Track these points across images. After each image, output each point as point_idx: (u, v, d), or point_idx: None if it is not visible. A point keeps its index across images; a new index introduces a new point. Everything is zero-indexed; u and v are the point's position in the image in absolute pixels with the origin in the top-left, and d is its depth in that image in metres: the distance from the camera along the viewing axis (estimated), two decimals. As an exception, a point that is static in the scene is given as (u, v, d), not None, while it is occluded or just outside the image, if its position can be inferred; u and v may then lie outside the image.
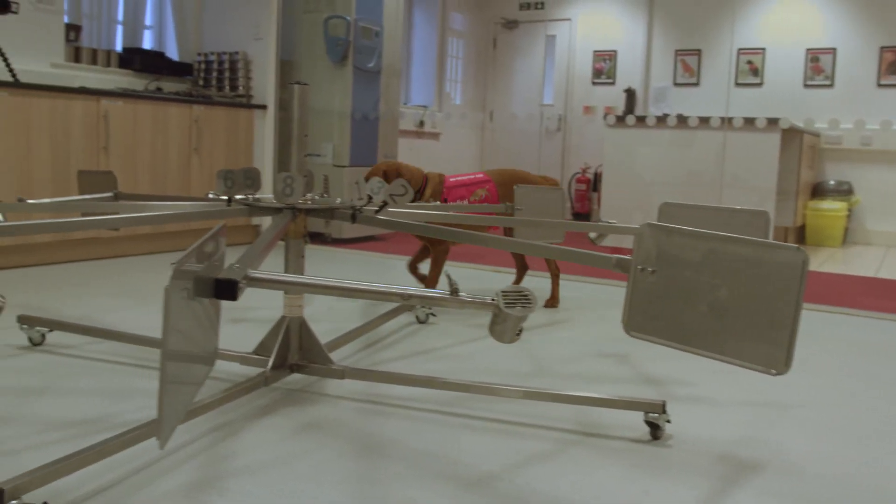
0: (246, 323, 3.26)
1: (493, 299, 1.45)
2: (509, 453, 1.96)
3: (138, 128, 4.95)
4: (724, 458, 2.00)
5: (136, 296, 3.73)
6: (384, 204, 2.26)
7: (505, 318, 1.46)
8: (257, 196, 2.43)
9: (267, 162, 5.75)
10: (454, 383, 2.21)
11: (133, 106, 4.91)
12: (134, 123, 4.92)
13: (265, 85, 5.81)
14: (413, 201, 3.00)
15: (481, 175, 3.59)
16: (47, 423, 2.06)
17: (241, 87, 5.80)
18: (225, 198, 2.34)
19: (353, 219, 2.17)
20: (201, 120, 5.32)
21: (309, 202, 2.27)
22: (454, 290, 1.44)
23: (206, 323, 1.39)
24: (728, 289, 1.64)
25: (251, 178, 2.38)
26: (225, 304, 3.62)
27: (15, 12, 4.58)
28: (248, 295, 3.85)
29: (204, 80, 5.88)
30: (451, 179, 3.49)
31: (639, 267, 1.73)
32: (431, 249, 3.49)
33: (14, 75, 4.61)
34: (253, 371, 2.45)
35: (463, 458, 1.92)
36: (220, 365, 2.62)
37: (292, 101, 2.36)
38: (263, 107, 5.74)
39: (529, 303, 1.45)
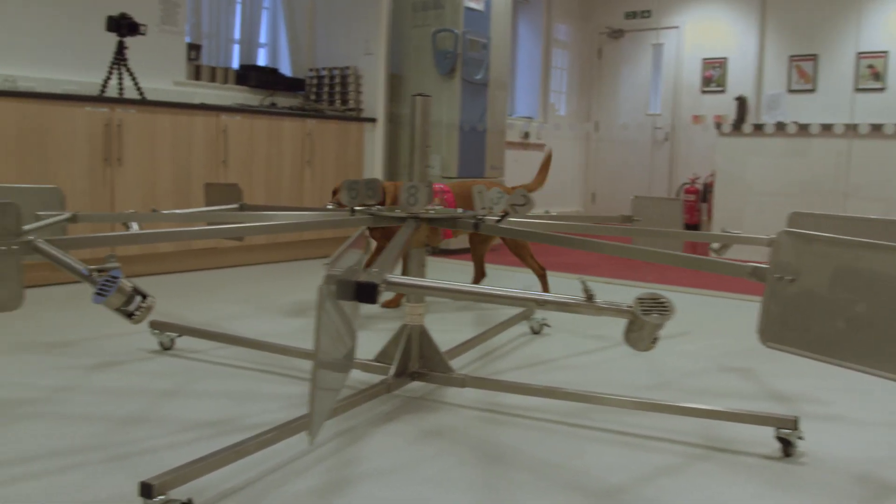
0: (364, 331, 3.32)
1: (629, 306, 1.43)
2: (636, 466, 1.92)
3: (255, 142, 5.13)
4: (864, 479, 1.91)
5: (257, 303, 3.85)
6: (505, 213, 2.26)
7: (641, 326, 1.43)
8: (377, 206, 2.47)
9: (376, 174, 5.86)
10: (577, 394, 2.19)
11: (250, 121, 5.09)
12: (251, 137, 5.10)
13: (375, 99, 5.92)
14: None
15: (442, 186, 3.89)
16: (181, 424, 2.14)
17: (351, 101, 5.93)
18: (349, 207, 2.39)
19: (476, 227, 2.19)
20: (314, 133, 5.46)
21: (431, 212, 2.29)
22: (589, 296, 1.42)
23: (348, 325, 1.42)
24: (873, 298, 1.56)
25: (372, 189, 2.43)
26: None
27: (143, 34, 4.83)
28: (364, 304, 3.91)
29: (316, 94, 6.05)
30: None
31: (776, 276, 1.67)
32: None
33: (141, 93, 4.85)
34: (374, 378, 2.49)
35: (589, 470, 1.89)
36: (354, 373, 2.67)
37: (414, 112, 2.40)
38: (373, 120, 5.86)
39: (666, 310, 1.42)
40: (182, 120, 4.71)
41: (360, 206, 2.37)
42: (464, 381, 2.29)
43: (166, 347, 2.93)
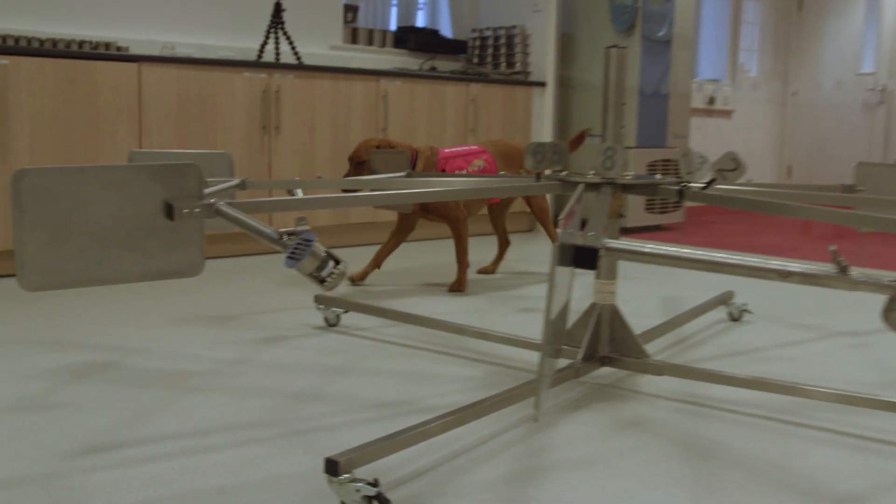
0: (539, 313, 3.31)
1: (893, 280, 1.34)
2: (871, 474, 1.82)
3: (415, 108, 5.22)
4: None
5: (419, 280, 3.93)
6: (712, 180, 2.18)
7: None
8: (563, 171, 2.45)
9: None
10: (794, 387, 2.09)
11: (410, 86, 5.18)
12: (411, 103, 5.19)
13: (544, 60, 5.89)
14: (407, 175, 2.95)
15: (476, 147, 3.88)
16: (356, 402, 2.22)
17: (518, 64, 5.92)
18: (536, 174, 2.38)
19: (681, 195, 2.13)
20: (478, 99, 5.50)
21: (627, 178, 2.25)
22: (843, 268, 1.34)
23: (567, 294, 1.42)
24: None
25: (559, 154, 2.41)
26: (521, 292, 3.71)
27: (301, -6, 5.01)
28: (537, 286, 3.91)
29: (479, 57, 6.08)
30: (446, 151, 3.79)
31: None
32: (452, 227, 3.78)
33: (298, 58, 5.03)
34: (560, 362, 2.48)
35: (814, 474, 1.81)
36: (526, 354, 2.69)
37: (607, 66, 2.35)
38: (542, 84, 5.82)
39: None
40: (340, 85, 4.86)
41: (546, 171, 2.35)
42: (661, 369, 2.24)
43: (332, 324, 3.04)
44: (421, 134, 5.25)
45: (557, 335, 1.25)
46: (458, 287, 3.72)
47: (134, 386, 2.32)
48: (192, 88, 4.32)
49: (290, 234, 1.57)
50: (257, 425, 2.05)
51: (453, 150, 3.85)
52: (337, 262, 1.57)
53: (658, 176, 2.32)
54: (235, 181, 2.50)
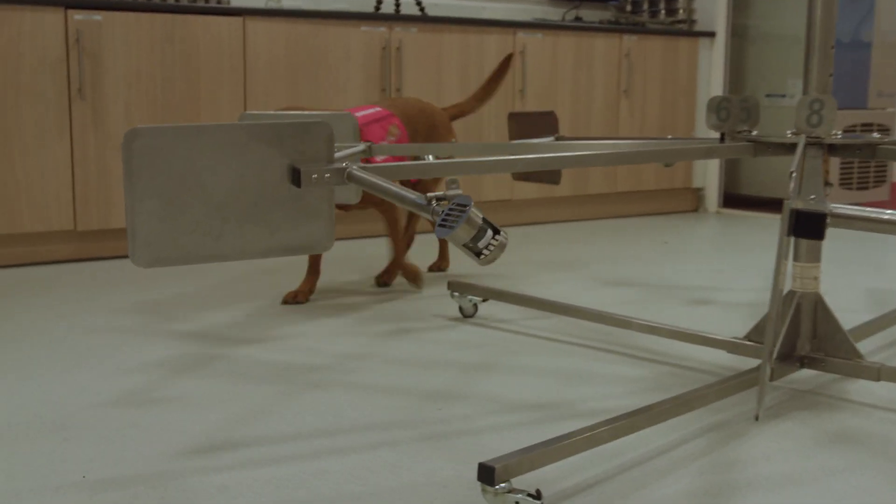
0: (714, 305, 3.23)
1: None
2: None
3: (558, 65, 5.17)
4: None
5: (566, 267, 3.89)
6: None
7: None
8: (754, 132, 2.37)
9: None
10: None
11: (552, 39, 5.13)
12: (553, 60, 5.14)
13: (712, 6, 5.74)
14: None
15: (379, 109, 3.32)
16: (501, 403, 2.20)
17: (680, 11, 5.79)
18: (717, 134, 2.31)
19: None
20: (633, 53, 5.40)
21: (836, 137, 2.15)
22: None
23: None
24: None
25: (748, 110, 2.33)
26: (684, 280, 3.63)
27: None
28: (707, 273, 3.83)
29: (633, 4, 5.97)
30: (359, 115, 3.23)
31: None
32: (383, 212, 3.39)
33: (422, 7, 5.06)
34: (745, 362, 2.41)
35: None
36: (703, 352, 2.62)
37: (811, 5, 2.25)
38: (710, 34, 5.68)
39: None
40: (471, 39, 4.85)
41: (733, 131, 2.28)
42: (878, 373, 2.13)
43: (467, 315, 3.04)
44: (565, 96, 5.19)
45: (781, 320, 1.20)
46: (387, 279, 3.51)
47: (247, 380, 2.37)
48: (301, 45, 4.39)
49: (439, 199, 1.55)
50: (389, 427, 2.06)
51: (365, 113, 3.30)
52: (496, 231, 1.55)
53: (876, 134, 2.21)
54: (361, 146, 2.52)
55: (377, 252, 4.27)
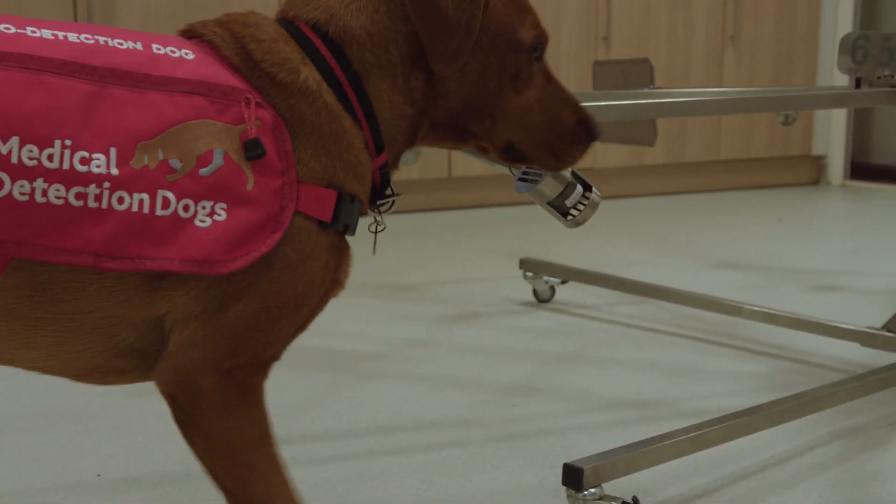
0: (843, 292, 3.21)
1: None
2: None
3: (650, 6, 5.12)
4: None
5: (660, 246, 3.87)
6: None
7: None
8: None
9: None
10: None
11: (645, -25, 5.11)
12: (645, 1, 5.10)
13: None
14: None
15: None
16: (589, 400, 2.20)
17: (800, -57, 5.73)
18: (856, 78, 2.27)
19: None
20: (742, -6, 5.36)
21: None
22: None
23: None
24: None
25: (891, 50, 2.28)
26: (805, 263, 3.59)
27: None
28: (833, 255, 3.78)
29: (742, -65, 5.91)
30: None
31: None
32: None
33: (490, -61, 5.05)
34: (885, 357, 2.38)
35: None
36: (831, 345, 2.59)
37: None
38: (837, -29, 5.62)
39: None
40: (549, -24, 4.84)
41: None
42: None
43: (543, 298, 3.03)
44: (659, 44, 5.16)
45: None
46: None
47: (294, 369, 2.38)
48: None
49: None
50: (457, 424, 2.06)
51: None
52: (588, 187, 1.53)
53: None
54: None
55: (428, 225, 4.28)
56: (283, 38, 1.20)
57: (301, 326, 1.26)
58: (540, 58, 1.33)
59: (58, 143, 1.05)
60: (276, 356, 1.24)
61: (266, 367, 1.23)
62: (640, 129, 3.01)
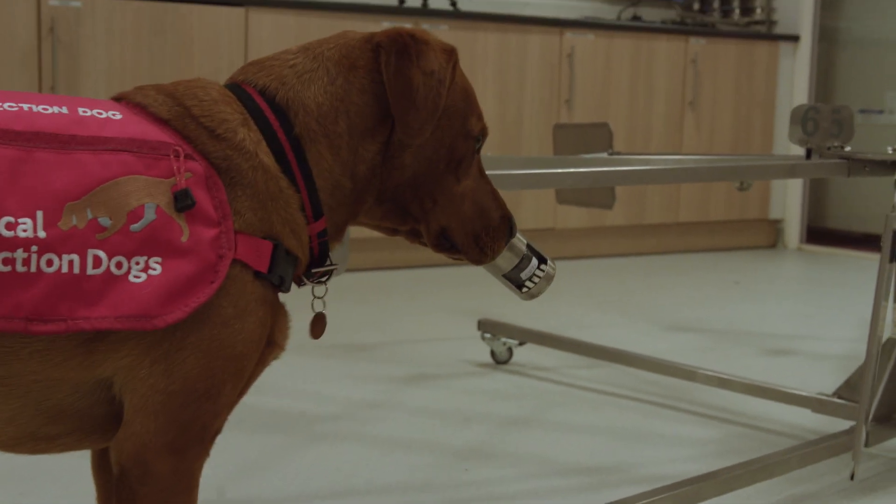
0: (796, 356, 3.21)
1: None
2: None
3: (612, 72, 5.17)
4: None
5: (619, 307, 3.87)
6: None
7: None
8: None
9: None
10: None
11: (606, 40, 5.15)
12: (606, 66, 5.15)
13: (796, 4, 5.74)
14: None
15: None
16: (543, 465, 2.19)
17: (758, 11, 5.81)
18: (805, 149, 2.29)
19: None
20: (700, 59, 5.40)
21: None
22: None
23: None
24: None
25: (840, 122, 2.31)
26: (760, 326, 3.60)
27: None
28: (787, 319, 3.80)
29: (701, 2, 5.98)
30: None
31: None
32: None
33: (454, 2, 5.08)
34: (834, 423, 2.38)
35: None
36: (783, 411, 2.59)
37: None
38: (794, 37, 5.68)
39: None
40: (511, 39, 4.87)
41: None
42: None
43: (500, 360, 3.02)
44: (619, 109, 5.20)
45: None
46: None
47: (245, 430, 2.35)
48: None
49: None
50: (409, 488, 2.04)
51: None
52: (543, 260, 1.54)
53: None
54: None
55: (386, 283, 4.27)
56: (226, 100, 1.21)
57: (241, 393, 1.24)
58: (479, 150, 1.36)
59: None
60: (219, 430, 1.22)
61: (210, 444, 1.21)
62: (598, 194, 3.02)
